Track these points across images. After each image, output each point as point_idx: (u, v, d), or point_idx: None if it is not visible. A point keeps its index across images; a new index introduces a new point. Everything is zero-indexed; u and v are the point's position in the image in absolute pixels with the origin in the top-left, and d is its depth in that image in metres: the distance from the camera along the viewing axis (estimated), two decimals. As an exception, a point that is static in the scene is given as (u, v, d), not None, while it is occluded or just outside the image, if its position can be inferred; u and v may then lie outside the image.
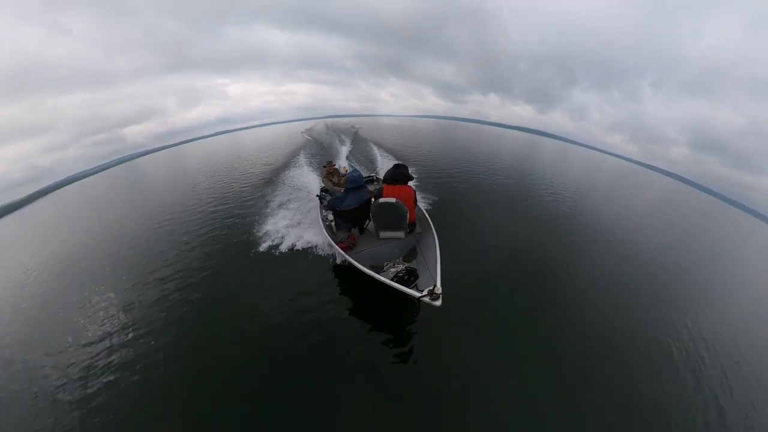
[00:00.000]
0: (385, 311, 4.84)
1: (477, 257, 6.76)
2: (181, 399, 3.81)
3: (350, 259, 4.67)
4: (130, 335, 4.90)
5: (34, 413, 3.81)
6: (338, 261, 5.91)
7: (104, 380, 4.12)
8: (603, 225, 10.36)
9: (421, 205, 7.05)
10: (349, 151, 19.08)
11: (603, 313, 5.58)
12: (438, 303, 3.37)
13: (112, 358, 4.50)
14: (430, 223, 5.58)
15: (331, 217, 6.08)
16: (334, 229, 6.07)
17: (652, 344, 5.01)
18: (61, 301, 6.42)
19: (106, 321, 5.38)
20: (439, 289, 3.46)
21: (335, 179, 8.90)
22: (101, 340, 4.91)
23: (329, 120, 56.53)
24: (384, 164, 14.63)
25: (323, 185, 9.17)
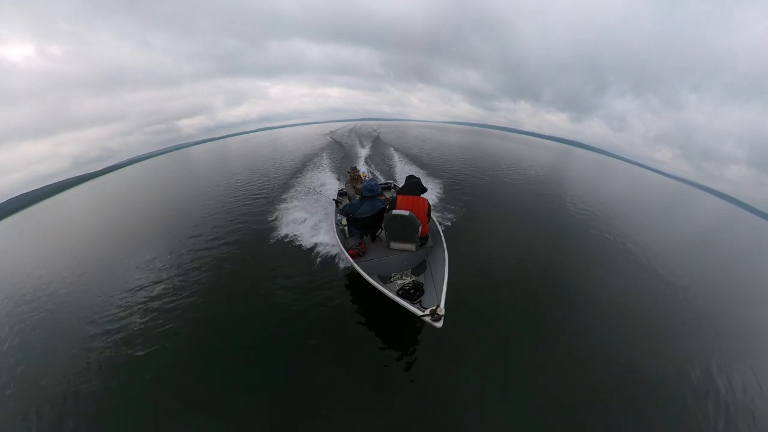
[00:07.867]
0: (388, 319, 4.96)
1: (488, 267, 6.70)
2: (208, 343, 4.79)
3: (357, 268, 4.66)
4: (168, 289, 6.12)
5: (88, 337, 5.23)
6: (347, 264, 6.04)
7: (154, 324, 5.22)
8: (642, 253, 9.05)
9: (437, 213, 6.73)
10: (368, 155, 19.60)
11: (625, 355, 4.84)
12: (439, 324, 3.25)
13: (155, 303, 5.72)
14: (443, 238, 5.40)
15: (344, 221, 6.14)
16: (347, 234, 6.16)
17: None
18: (112, 259, 8.29)
19: (148, 276, 6.76)
20: (442, 310, 3.35)
21: (359, 185, 8.80)
22: (147, 290, 6.22)
23: (359, 123, 58.73)
24: (402, 169, 15.34)
25: (342, 189, 9.33)
